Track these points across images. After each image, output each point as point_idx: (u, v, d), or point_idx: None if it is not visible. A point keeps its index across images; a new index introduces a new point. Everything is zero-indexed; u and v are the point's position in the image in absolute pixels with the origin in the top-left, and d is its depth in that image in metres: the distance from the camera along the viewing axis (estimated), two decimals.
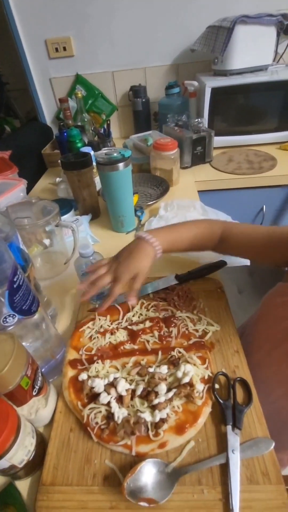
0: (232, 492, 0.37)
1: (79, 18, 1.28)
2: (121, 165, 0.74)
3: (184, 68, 1.39)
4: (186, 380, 0.45)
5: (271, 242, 0.54)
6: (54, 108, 1.53)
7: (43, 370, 0.48)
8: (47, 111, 1.54)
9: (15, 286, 0.40)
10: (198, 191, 1.08)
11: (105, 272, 0.53)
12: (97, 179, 1.00)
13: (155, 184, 1.06)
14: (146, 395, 0.45)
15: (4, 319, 0.40)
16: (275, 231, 0.55)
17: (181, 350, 0.52)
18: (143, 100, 1.39)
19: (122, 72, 1.41)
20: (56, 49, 1.36)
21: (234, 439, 0.41)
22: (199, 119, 1.17)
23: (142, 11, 1.26)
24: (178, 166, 1.08)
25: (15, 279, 0.40)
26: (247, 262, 0.79)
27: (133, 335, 0.55)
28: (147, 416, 0.43)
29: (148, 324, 0.57)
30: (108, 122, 1.26)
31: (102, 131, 1.25)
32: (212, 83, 1.16)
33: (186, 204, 0.91)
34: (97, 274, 0.53)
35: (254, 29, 1.10)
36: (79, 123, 1.31)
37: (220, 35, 1.11)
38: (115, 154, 0.74)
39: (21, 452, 0.38)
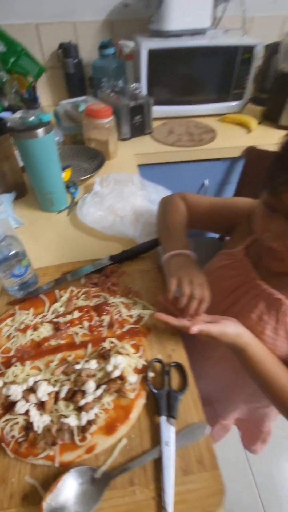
0: (165, 487, 0.34)
1: None
2: (40, 131, 0.62)
3: (119, 26, 1.25)
4: (116, 373, 0.41)
5: (213, 212, 0.60)
6: None
7: None
8: None
9: None
10: (138, 165, 1.01)
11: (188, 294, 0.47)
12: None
13: (90, 157, 0.96)
14: (72, 397, 0.40)
15: None
16: (217, 202, 0.61)
17: (114, 340, 0.47)
18: (75, 61, 1.23)
19: (49, 26, 1.22)
20: None
21: (168, 430, 0.38)
22: (136, 84, 1.07)
23: None
24: (115, 137, 0.98)
25: None
26: None
27: (59, 329, 0.48)
28: (72, 420, 0.38)
29: (76, 314, 0.50)
30: (33, 84, 1.09)
31: (27, 95, 1.08)
32: (148, 44, 1.06)
33: (123, 179, 0.83)
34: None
35: None
36: None
37: None
38: (31, 118, 0.62)
39: None
